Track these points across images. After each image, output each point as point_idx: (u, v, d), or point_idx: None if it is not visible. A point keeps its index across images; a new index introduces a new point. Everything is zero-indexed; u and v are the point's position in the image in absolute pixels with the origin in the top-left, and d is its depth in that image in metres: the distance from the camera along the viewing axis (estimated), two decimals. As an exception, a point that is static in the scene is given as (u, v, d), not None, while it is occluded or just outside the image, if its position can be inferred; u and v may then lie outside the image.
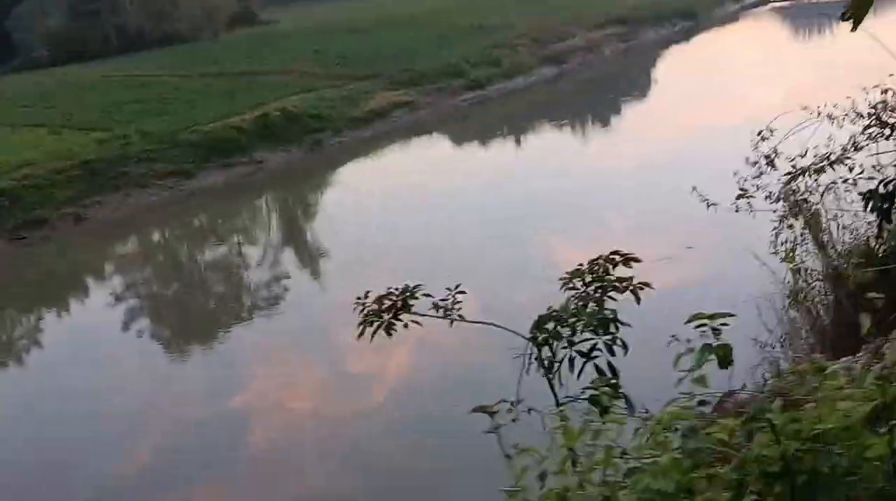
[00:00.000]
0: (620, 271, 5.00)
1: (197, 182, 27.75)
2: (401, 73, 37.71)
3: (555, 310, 4.57)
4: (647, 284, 4.86)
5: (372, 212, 23.19)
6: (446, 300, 5.31)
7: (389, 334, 5.23)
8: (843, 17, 4.71)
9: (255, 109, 31.94)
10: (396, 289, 5.29)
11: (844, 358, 5.14)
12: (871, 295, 3.87)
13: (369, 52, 42.06)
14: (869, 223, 6.53)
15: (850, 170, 6.48)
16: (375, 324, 5.21)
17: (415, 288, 5.36)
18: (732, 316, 3.17)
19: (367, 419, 12.87)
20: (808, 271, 6.88)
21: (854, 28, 4.76)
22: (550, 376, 4.53)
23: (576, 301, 4.74)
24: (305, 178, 30.28)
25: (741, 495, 2.69)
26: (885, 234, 5.58)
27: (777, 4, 53.65)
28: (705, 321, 3.14)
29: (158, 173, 27.55)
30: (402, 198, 24.31)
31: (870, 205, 5.02)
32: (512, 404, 3.80)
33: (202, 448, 12.67)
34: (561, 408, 3.82)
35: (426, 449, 11.48)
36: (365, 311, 5.22)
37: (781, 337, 7.37)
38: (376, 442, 12.04)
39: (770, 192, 6.60)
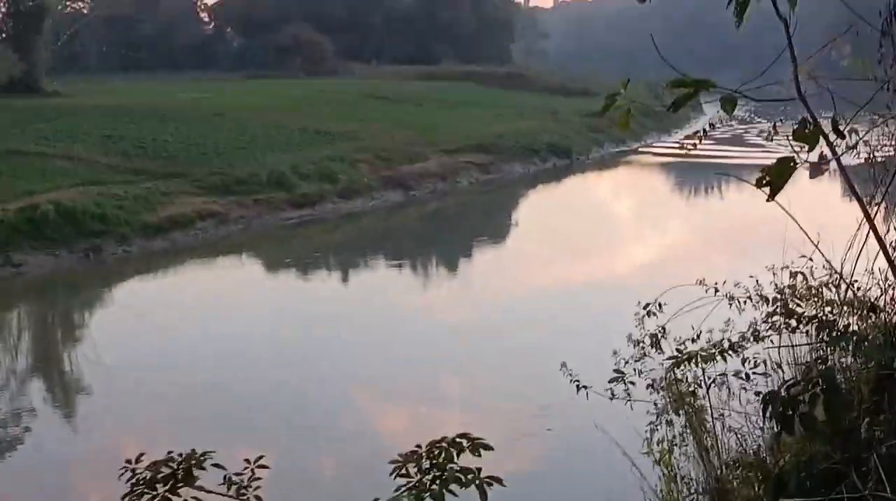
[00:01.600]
0: (466, 458, 4.94)
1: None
2: (213, 177, 37.52)
3: (381, 504, 4.41)
4: (497, 479, 4.79)
5: (154, 341, 22.52)
6: (242, 474, 5.11)
7: (162, 513, 4.95)
8: (759, 184, 4.91)
9: (21, 199, 31.00)
10: (179, 455, 5.05)
11: None
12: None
13: (176, 145, 41.84)
14: (761, 429, 6.67)
15: (744, 362, 6.63)
16: (146, 498, 4.93)
17: (202, 454, 5.13)
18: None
19: None
20: (686, 479, 6.94)
21: (771, 197, 4.97)
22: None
23: (409, 493, 4.61)
24: (74, 293, 29.30)
25: None
26: (782, 447, 5.70)
27: (665, 156, 56.48)
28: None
29: None
30: (195, 330, 23.75)
31: (768, 409, 5.12)
32: None
33: None
34: None
35: None
36: (135, 479, 4.94)
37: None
38: None
39: (653, 380, 6.70)
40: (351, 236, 37.52)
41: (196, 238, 33.43)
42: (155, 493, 4.94)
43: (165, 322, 24.51)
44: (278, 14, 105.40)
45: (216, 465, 5.09)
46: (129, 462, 5.03)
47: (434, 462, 4.92)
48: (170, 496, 4.97)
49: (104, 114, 47.88)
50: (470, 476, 4.80)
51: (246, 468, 5.10)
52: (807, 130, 5.28)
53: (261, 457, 5.13)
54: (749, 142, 49.87)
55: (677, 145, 56.78)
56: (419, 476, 4.86)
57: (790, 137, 5.43)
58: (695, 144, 5.97)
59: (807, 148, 5.19)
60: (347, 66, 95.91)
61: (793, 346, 6.52)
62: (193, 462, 5.06)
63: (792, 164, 5.18)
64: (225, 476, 5.08)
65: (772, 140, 6.27)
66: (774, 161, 5.17)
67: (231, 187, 36.86)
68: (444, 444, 4.96)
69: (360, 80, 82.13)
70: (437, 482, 4.80)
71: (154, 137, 42.84)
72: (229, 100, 56.49)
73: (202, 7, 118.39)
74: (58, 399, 20.93)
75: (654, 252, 31.95)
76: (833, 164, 5.30)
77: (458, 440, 4.98)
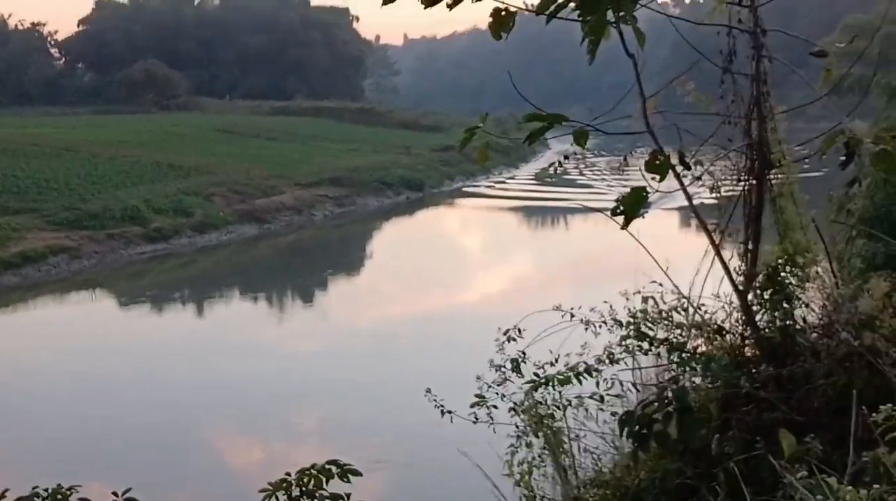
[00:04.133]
0: (336, 485, 4.94)
1: None
2: (65, 211, 36.66)
3: (253, 532, 4.37)
4: (367, 505, 4.80)
5: (1, 382, 21.75)
6: (109, 509, 4.99)
7: (27, 550, 4.81)
8: (614, 213, 5.05)
9: None
10: (45, 490, 4.92)
11: None
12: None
13: (26, 180, 40.80)
14: (616, 448, 6.79)
15: (598, 384, 6.75)
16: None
17: (69, 489, 5.00)
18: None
19: None
20: (545, 499, 7.02)
21: (625, 225, 5.11)
22: None
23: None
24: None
25: None
26: (637, 465, 5.82)
27: (514, 191, 57.29)
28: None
29: None
30: (40, 367, 23.01)
31: (625, 428, 5.24)
32: None
33: None
34: None
35: None
36: (-3, 517, 4.79)
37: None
38: None
39: (514, 403, 6.77)
40: (206, 270, 36.99)
41: (48, 273, 32.54)
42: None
43: (15, 360, 23.71)
44: (130, 49, 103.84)
45: (83, 499, 4.97)
46: (-9, 497, 4.88)
47: (304, 489, 4.89)
48: (36, 531, 4.84)
49: (-49, 149, 46.39)
50: (339, 503, 4.80)
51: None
52: (657, 161, 5.46)
53: (129, 490, 5.02)
54: (580, 184, 50.83)
55: (530, 178, 57.97)
56: (289, 505, 4.84)
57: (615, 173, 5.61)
58: (553, 173, 6.10)
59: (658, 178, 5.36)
60: (200, 102, 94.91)
61: (646, 368, 6.68)
62: (59, 496, 4.93)
63: (644, 194, 5.34)
64: (92, 510, 4.96)
65: (623, 171, 6.45)
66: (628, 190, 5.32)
67: (84, 222, 35.99)
68: (313, 471, 4.94)
69: (214, 115, 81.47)
70: (308, 509, 4.78)
71: (3, 172, 41.67)
72: (81, 135, 55.27)
73: (52, 42, 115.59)
74: None
75: (510, 282, 32.35)
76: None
77: (327, 466, 4.96)
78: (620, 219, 5.37)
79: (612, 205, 5.47)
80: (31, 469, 15.12)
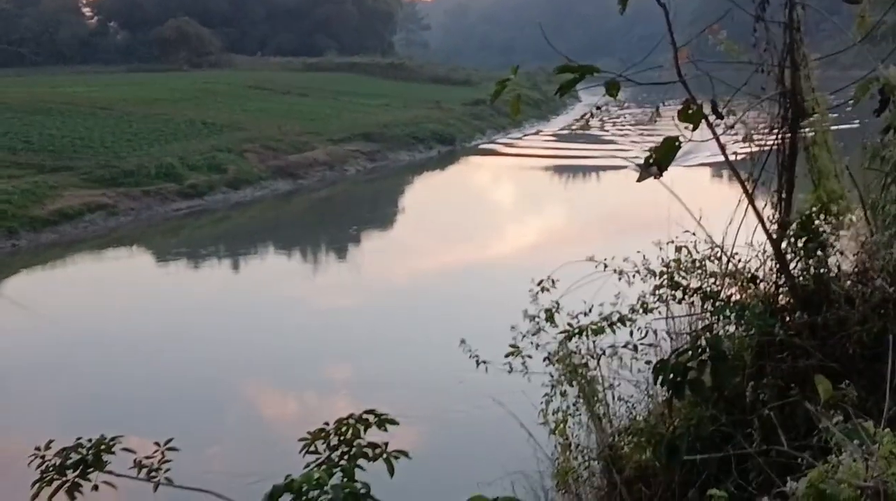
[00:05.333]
0: (373, 434, 4.97)
1: None
2: (100, 169, 36.80)
3: (293, 480, 4.40)
4: (403, 452, 4.83)
5: (43, 339, 22.00)
6: (152, 457, 5.05)
7: (73, 498, 4.88)
8: (647, 163, 5.03)
9: None
10: (88, 441, 4.98)
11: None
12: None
13: (62, 139, 40.92)
14: (650, 396, 6.81)
15: (631, 333, 6.76)
16: (56, 484, 4.85)
17: (112, 439, 5.06)
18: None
19: None
20: (581, 448, 7.05)
21: (659, 174, 5.09)
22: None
23: (319, 469, 4.61)
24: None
25: None
26: (672, 412, 5.83)
27: (547, 144, 57.05)
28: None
29: None
30: (80, 323, 23.24)
31: (659, 376, 5.24)
32: None
33: None
34: None
35: None
36: (44, 466, 4.86)
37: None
38: None
39: (549, 353, 6.78)
40: (240, 225, 37.10)
41: (85, 230, 32.75)
42: (65, 479, 4.88)
43: (56, 315, 23.98)
44: (162, 8, 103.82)
45: (126, 449, 5.04)
46: (38, 448, 4.94)
47: (342, 438, 4.93)
48: (80, 481, 4.90)
49: (-14, 110, 46.62)
50: (377, 451, 4.83)
51: (156, 451, 5.04)
52: (690, 111, 5.42)
53: (170, 440, 5.09)
54: (604, 139, 50.48)
55: (563, 130, 57.62)
56: (328, 453, 4.88)
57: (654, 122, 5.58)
58: (585, 125, 6.08)
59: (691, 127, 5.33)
60: (232, 59, 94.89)
61: (679, 317, 6.68)
62: (103, 447, 4.99)
63: (677, 144, 5.32)
64: (135, 460, 5.02)
65: (656, 121, 6.41)
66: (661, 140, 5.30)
67: (119, 179, 36.17)
68: (351, 420, 4.98)
69: (245, 72, 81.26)
70: (346, 457, 4.82)
71: (40, 132, 41.81)
72: (114, 94, 55.34)
73: (84, 1, 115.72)
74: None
75: (543, 234, 32.29)
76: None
77: (364, 416, 5.00)
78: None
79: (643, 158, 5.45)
80: (72, 422, 15.34)
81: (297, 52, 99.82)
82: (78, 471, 4.89)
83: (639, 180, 5.49)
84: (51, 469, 4.86)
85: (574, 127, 6.10)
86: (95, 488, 4.91)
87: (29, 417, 16.75)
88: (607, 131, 53.39)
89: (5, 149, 38.39)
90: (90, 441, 5.00)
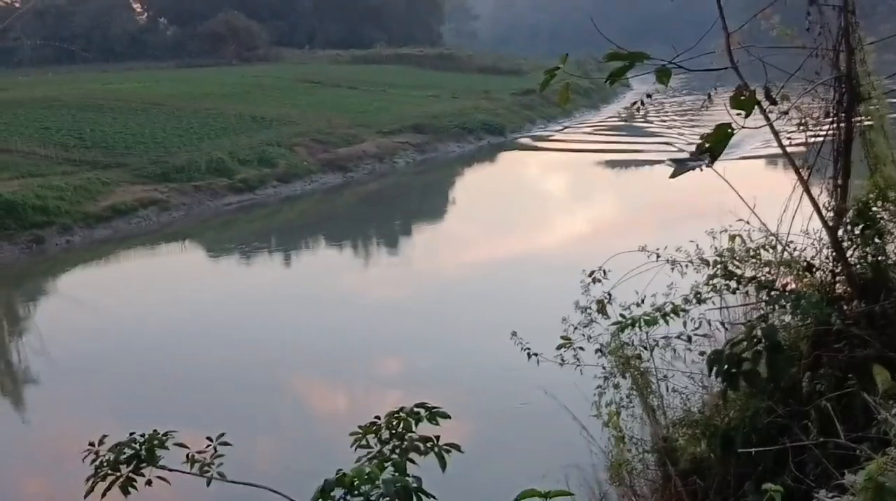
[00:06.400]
0: (424, 428, 4.96)
1: None
2: (152, 165, 37.22)
3: (345, 474, 4.41)
4: (455, 446, 4.81)
5: (100, 332, 22.27)
6: (204, 452, 5.07)
7: (127, 493, 4.91)
8: (700, 151, 4.97)
9: (-41, 192, 30.53)
10: (141, 436, 5.01)
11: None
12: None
13: (114, 135, 41.43)
14: (704, 388, 6.75)
15: (685, 324, 6.69)
16: (110, 480, 4.88)
17: (164, 434, 5.09)
18: (570, 494, 3.15)
19: None
20: (634, 440, 7.00)
21: (712, 162, 5.03)
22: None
23: (371, 462, 4.61)
24: (17, 284, 28.86)
25: None
26: (727, 404, 5.77)
27: (597, 134, 56.67)
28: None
29: None
30: (140, 316, 23.48)
31: (714, 368, 5.19)
32: None
33: None
34: None
35: None
36: (98, 461, 4.89)
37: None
38: None
39: (601, 344, 6.74)
40: (291, 219, 37.28)
41: (138, 225, 33.11)
42: (119, 474, 4.90)
43: (110, 310, 24.26)
44: (210, 2, 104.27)
45: (178, 444, 5.06)
46: (91, 444, 4.96)
47: (393, 431, 4.92)
48: (133, 476, 4.93)
49: (41, 106, 47.23)
50: (429, 444, 4.81)
51: (208, 446, 5.06)
52: (742, 97, 5.35)
53: (222, 435, 5.09)
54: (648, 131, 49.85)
55: (612, 119, 57.16)
56: (379, 447, 4.87)
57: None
58: (636, 112, 6.03)
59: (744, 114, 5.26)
60: (280, 53, 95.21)
61: (733, 307, 6.60)
62: (156, 442, 5.01)
63: (730, 131, 5.25)
64: (188, 455, 5.04)
65: (707, 108, 6.34)
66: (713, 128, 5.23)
67: (170, 175, 36.52)
68: (402, 414, 4.96)
69: (294, 65, 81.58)
70: (397, 451, 4.81)
71: (92, 128, 42.35)
72: (165, 89, 55.85)
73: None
74: (6, 389, 20.68)
75: (594, 225, 32.15)
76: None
77: (415, 409, 4.98)
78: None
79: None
80: (125, 417, 15.49)
81: (346, 43, 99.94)
82: (131, 466, 4.91)
83: (672, 176, 5.45)
84: (105, 464, 4.89)
85: (622, 115, 6.04)
86: (149, 483, 4.93)
87: (87, 409, 16.98)
88: (653, 122, 52.79)
89: (59, 145, 38.90)
90: (143, 436, 5.02)
